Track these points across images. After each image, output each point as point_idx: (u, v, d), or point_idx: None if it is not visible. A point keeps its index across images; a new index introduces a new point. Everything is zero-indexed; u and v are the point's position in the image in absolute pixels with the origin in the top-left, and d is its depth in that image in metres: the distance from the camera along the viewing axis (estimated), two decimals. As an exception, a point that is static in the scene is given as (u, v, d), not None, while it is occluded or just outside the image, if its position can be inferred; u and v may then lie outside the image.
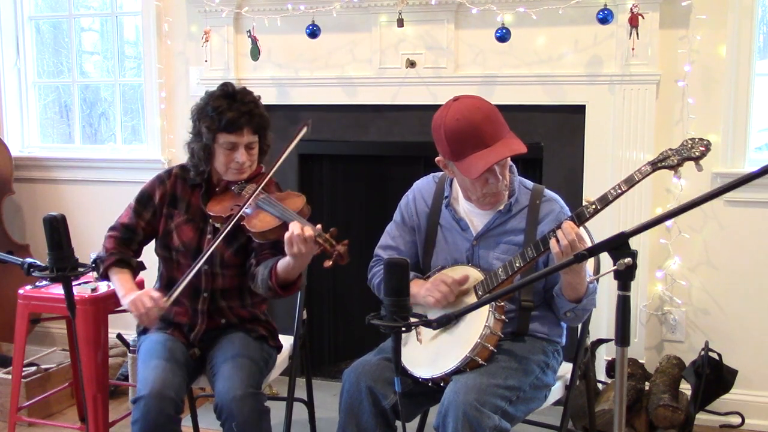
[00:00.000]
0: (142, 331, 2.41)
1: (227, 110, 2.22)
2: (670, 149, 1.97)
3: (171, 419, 2.11)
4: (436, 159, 2.18)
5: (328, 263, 2.04)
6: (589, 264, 2.24)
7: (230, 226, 2.18)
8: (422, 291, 2.13)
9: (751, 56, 2.98)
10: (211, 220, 2.31)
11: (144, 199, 2.39)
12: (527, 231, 2.18)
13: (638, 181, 1.95)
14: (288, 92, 3.46)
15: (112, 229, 2.40)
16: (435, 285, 2.11)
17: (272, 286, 2.20)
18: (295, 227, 2.02)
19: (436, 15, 3.19)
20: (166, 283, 2.39)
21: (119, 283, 2.31)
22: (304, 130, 2.34)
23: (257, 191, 2.22)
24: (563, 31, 3.08)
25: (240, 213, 2.19)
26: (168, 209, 2.38)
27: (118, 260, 2.35)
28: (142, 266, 2.43)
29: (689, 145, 1.95)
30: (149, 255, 2.46)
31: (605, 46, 3.04)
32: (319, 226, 2.05)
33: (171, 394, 2.11)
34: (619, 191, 1.96)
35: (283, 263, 2.16)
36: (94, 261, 2.38)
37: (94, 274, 2.82)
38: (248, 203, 2.20)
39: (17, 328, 2.87)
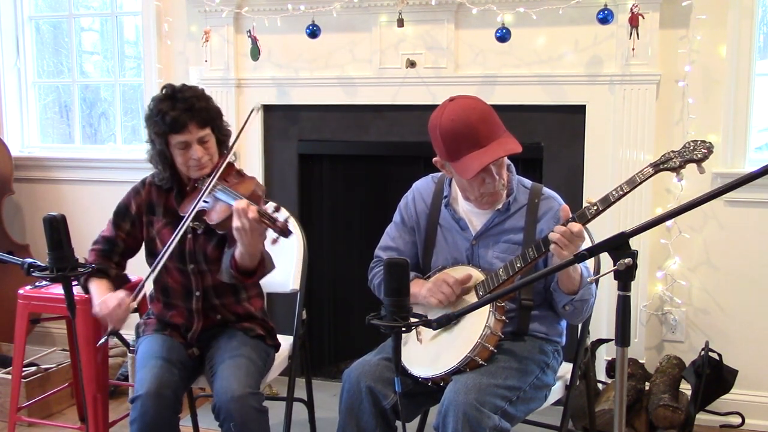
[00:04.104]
0: (141, 333, 2.42)
1: (169, 110, 2.21)
2: (673, 151, 1.97)
3: (169, 419, 2.11)
4: (434, 159, 2.19)
5: (274, 239, 2.03)
6: (589, 264, 2.24)
7: (187, 219, 2.19)
8: (423, 291, 2.13)
9: (751, 56, 2.98)
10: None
11: (121, 211, 2.40)
12: (526, 229, 2.18)
13: (640, 183, 1.95)
14: (288, 92, 3.46)
15: (94, 243, 2.41)
16: (437, 285, 2.11)
17: (234, 274, 2.20)
18: (239, 203, 2.04)
19: (436, 15, 3.19)
20: (160, 289, 2.39)
21: (95, 291, 2.30)
22: (253, 113, 2.35)
23: (210, 183, 2.22)
24: (563, 31, 3.08)
25: (195, 205, 2.19)
26: (147, 217, 2.38)
27: (97, 270, 2.34)
28: (125, 279, 2.43)
29: (691, 147, 1.95)
30: (142, 266, 2.46)
31: (605, 46, 3.04)
32: (257, 206, 2.04)
33: (169, 393, 2.11)
34: (621, 193, 1.96)
35: (238, 249, 2.16)
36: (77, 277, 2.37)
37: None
38: (203, 196, 2.20)
39: (17, 328, 2.87)
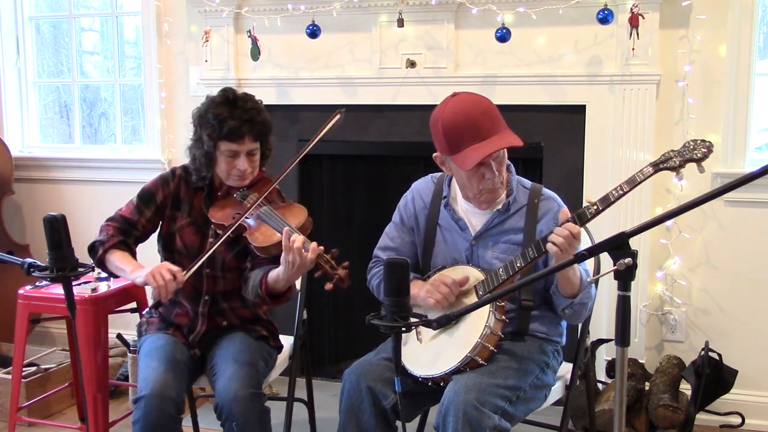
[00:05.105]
0: (143, 331, 2.42)
1: (228, 118, 2.19)
2: (672, 150, 1.97)
3: (172, 419, 2.11)
4: (434, 155, 2.19)
5: (329, 286, 2.07)
6: (589, 264, 2.24)
7: (230, 232, 2.18)
8: (422, 293, 2.13)
9: (751, 56, 2.98)
10: (213, 226, 2.31)
11: (146, 197, 2.36)
12: (526, 230, 2.18)
13: (640, 182, 1.95)
14: (288, 92, 3.46)
15: (110, 219, 2.37)
16: (435, 286, 2.11)
17: (261, 294, 2.21)
18: (298, 239, 2.03)
19: (436, 15, 3.19)
20: None
21: (123, 261, 2.26)
22: (337, 117, 2.31)
23: (259, 201, 2.21)
24: (563, 31, 3.08)
25: (240, 221, 2.19)
26: (171, 211, 2.37)
27: (121, 242, 2.32)
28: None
29: (691, 147, 1.95)
30: (151, 254, 2.46)
31: (605, 46, 3.04)
32: (321, 247, 2.06)
33: (172, 394, 2.11)
34: (621, 192, 1.96)
35: (274, 273, 2.16)
36: (92, 245, 2.32)
37: (94, 274, 2.83)
38: (247, 214, 2.20)
39: (17, 328, 2.87)
